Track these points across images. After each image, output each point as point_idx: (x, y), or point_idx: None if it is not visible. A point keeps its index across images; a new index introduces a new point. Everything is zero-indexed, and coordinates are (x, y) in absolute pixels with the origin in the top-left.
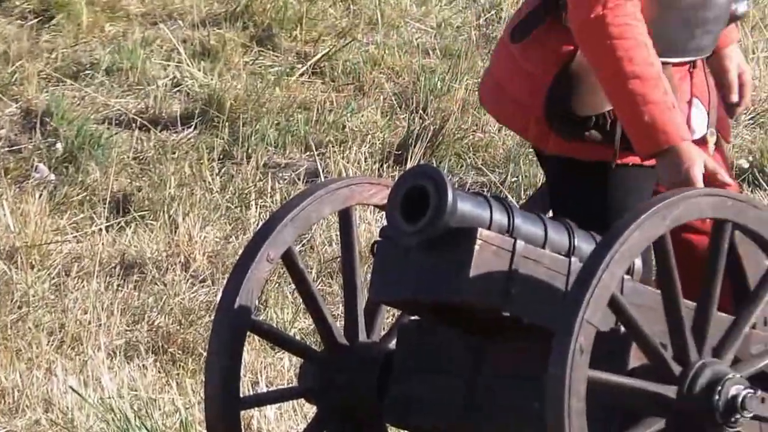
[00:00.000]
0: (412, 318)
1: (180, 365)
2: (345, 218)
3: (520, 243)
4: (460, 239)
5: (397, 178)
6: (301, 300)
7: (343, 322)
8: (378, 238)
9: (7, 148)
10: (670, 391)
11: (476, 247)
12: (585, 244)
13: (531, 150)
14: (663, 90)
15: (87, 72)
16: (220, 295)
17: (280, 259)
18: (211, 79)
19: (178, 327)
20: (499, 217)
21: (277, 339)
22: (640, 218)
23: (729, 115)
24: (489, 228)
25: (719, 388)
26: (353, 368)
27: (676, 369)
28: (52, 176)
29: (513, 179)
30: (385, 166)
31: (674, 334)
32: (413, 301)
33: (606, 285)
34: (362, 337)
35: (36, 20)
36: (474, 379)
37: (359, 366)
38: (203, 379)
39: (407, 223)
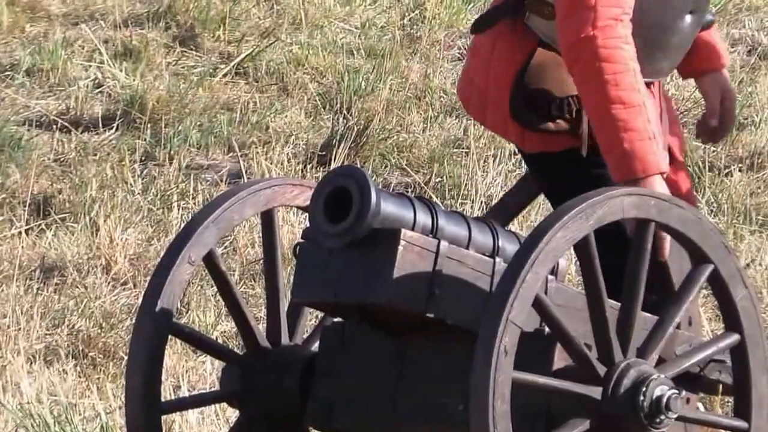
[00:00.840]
0: (335, 320)
1: (101, 369)
2: (267, 220)
3: (443, 244)
4: (384, 240)
5: (320, 179)
6: (223, 303)
7: (265, 325)
8: (300, 240)
9: None
10: (595, 392)
11: (400, 248)
12: (509, 245)
13: (455, 150)
14: (646, 118)
15: (7, 73)
16: (141, 298)
17: (202, 262)
18: (134, 80)
19: (99, 331)
20: (423, 218)
21: (199, 342)
22: (564, 218)
23: (711, 139)
24: (413, 229)
25: (644, 388)
26: (276, 371)
27: (601, 369)
28: None
29: (437, 179)
30: (309, 166)
31: (598, 335)
32: (335, 303)
33: (530, 285)
34: (285, 339)
35: None
36: (398, 380)
37: (282, 369)
38: (124, 384)
39: (330, 224)
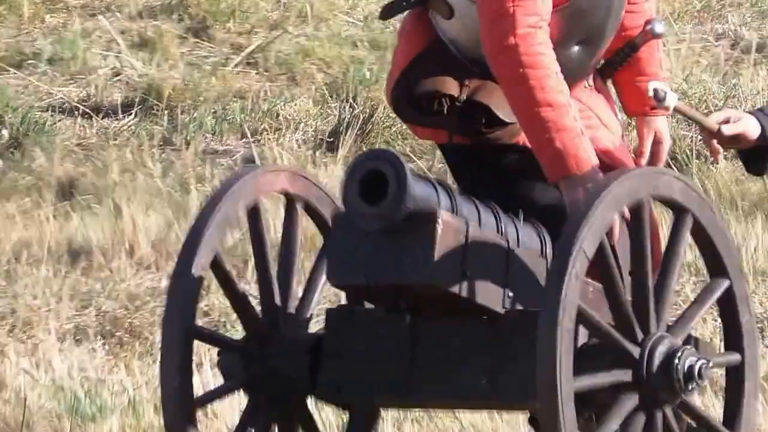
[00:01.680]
0: (340, 304)
1: (127, 348)
2: (253, 215)
3: (472, 225)
4: (421, 222)
5: (350, 163)
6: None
7: (262, 314)
8: (331, 225)
9: None
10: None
11: (438, 229)
12: (510, 228)
13: None
14: (572, 117)
15: (30, 61)
16: (165, 297)
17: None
18: (150, 69)
19: (125, 312)
20: (445, 200)
21: (220, 342)
22: (628, 173)
23: None
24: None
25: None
26: (286, 355)
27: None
28: (0, 162)
29: (439, 165)
30: (317, 152)
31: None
32: (371, 286)
33: (599, 223)
34: (286, 326)
35: None
36: (411, 360)
37: (291, 353)
38: (158, 383)
39: (368, 206)
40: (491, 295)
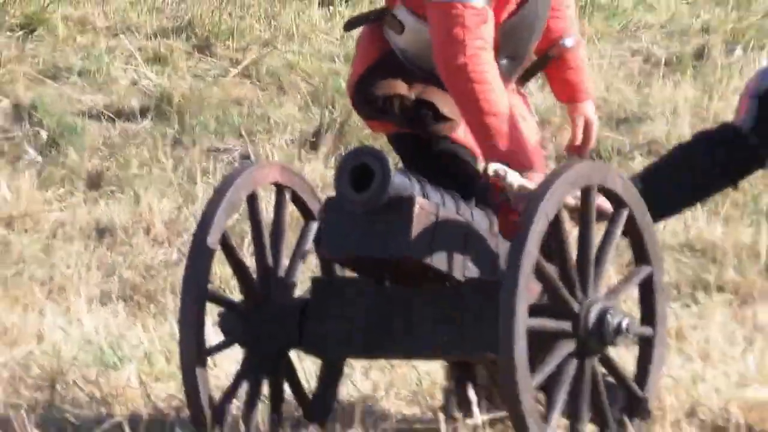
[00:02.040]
0: (324, 274)
1: (144, 310)
2: (251, 201)
3: (440, 207)
4: (400, 206)
5: (341, 158)
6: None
7: (257, 280)
8: (322, 208)
9: (2, 136)
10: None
11: (415, 211)
12: (467, 210)
13: None
14: (512, 122)
15: (63, 74)
16: (182, 269)
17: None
18: (163, 80)
19: (142, 280)
20: (418, 187)
21: (227, 303)
22: (578, 164)
23: (577, 153)
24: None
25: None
26: (277, 316)
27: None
28: (39, 158)
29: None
30: (302, 150)
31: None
32: (358, 258)
33: (556, 201)
34: (277, 290)
35: (22, 32)
36: (382, 318)
37: (281, 313)
38: (177, 334)
39: (356, 193)
40: (454, 265)
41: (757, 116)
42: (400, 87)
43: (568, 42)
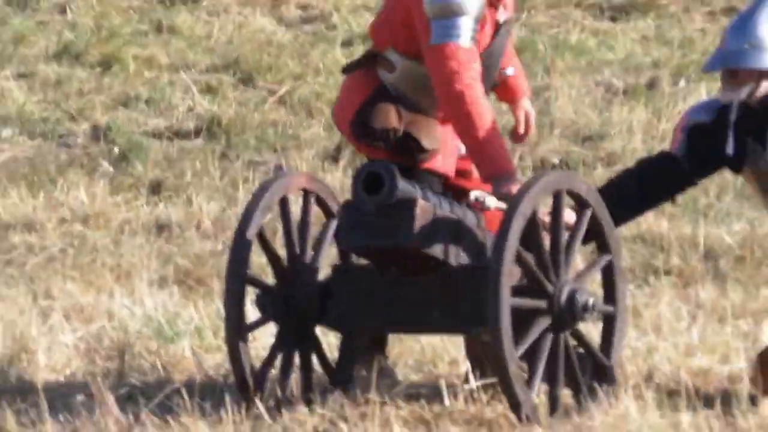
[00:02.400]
0: (343, 262)
1: (195, 292)
2: (283, 203)
3: (437, 207)
4: (405, 205)
5: (358, 169)
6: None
7: (288, 267)
8: (341, 207)
9: (82, 151)
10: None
11: (417, 210)
12: (459, 210)
13: None
14: (498, 135)
15: (133, 102)
16: (226, 258)
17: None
18: (213, 107)
19: (193, 267)
20: (420, 191)
21: (262, 286)
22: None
23: (517, 142)
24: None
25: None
26: (303, 296)
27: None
28: (111, 169)
29: None
30: (325, 163)
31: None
32: (372, 247)
33: (530, 205)
34: (303, 275)
35: (100, 68)
36: (390, 298)
37: (307, 294)
38: (223, 315)
39: (369, 195)
40: (449, 253)
41: (688, 147)
42: (394, 120)
43: (509, 71)
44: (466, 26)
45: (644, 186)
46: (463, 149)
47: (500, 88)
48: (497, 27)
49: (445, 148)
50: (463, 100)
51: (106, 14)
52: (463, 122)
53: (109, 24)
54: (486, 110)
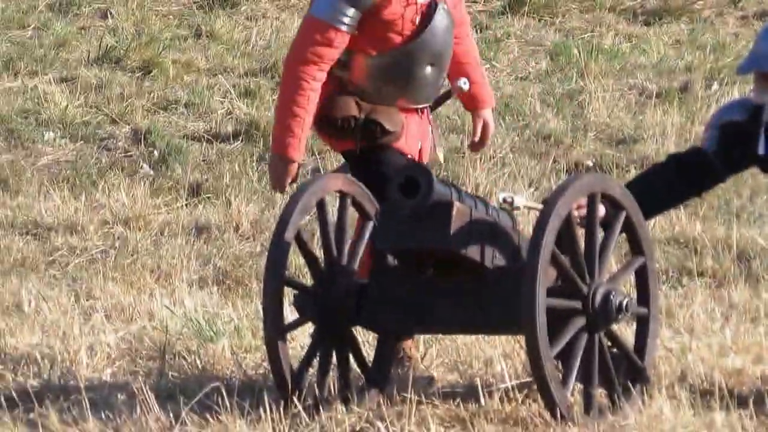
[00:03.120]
0: (379, 264)
1: (234, 292)
2: (320, 206)
3: (474, 210)
4: (441, 208)
5: (395, 171)
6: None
7: (325, 268)
8: (378, 210)
9: (123, 155)
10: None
11: (454, 212)
12: (494, 212)
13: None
14: (289, 118)
15: (173, 106)
16: (264, 259)
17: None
18: (252, 110)
19: (232, 268)
20: (454, 194)
21: (299, 287)
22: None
23: (475, 150)
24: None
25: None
26: (341, 297)
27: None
28: (152, 172)
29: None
30: None
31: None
32: (409, 249)
33: (566, 203)
34: (340, 276)
35: (140, 73)
36: (426, 300)
37: (344, 295)
38: (261, 315)
39: (405, 199)
40: (485, 254)
41: (718, 143)
42: (353, 109)
43: (464, 86)
44: (341, 9)
45: (674, 180)
46: (429, 135)
47: (463, 98)
48: (426, 13)
49: (407, 132)
50: (286, 71)
51: (146, 19)
52: (279, 94)
53: (149, 29)
54: (294, 92)
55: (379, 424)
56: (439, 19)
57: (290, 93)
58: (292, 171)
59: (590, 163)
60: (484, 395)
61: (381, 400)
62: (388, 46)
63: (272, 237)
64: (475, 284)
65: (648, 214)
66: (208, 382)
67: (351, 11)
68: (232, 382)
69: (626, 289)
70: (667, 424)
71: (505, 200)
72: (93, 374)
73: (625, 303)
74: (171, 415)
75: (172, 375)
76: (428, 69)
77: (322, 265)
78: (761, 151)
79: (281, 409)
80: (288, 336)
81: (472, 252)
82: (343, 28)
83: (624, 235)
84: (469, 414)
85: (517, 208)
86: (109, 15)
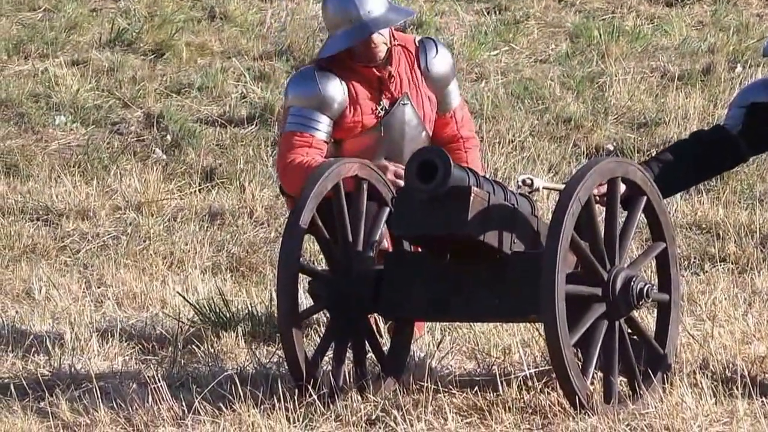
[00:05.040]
0: (395, 250)
1: (248, 278)
2: (336, 189)
3: (492, 195)
4: (459, 193)
5: (411, 156)
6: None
7: (340, 254)
8: (395, 195)
9: (135, 139)
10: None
11: (471, 197)
12: (512, 197)
13: None
14: None
15: (186, 89)
16: (279, 246)
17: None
18: (266, 94)
19: (246, 254)
20: (472, 178)
21: (314, 274)
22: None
23: None
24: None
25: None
26: (357, 284)
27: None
28: (164, 156)
29: None
30: None
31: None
32: (426, 235)
33: (588, 188)
34: (356, 262)
35: (153, 56)
36: (444, 286)
37: (361, 282)
38: (275, 303)
39: (423, 183)
40: (503, 240)
41: (743, 123)
42: None
43: (529, 183)
44: (314, 118)
45: (697, 158)
46: None
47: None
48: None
49: None
50: (282, 177)
51: (158, 1)
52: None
53: (161, 11)
54: (299, 175)
55: (395, 413)
56: (398, 115)
57: (296, 179)
58: None
59: (611, 147)
60: (502, 384)
61: (397, 389)
62: (359, 137)
63: (287, 223)
64: (493, 270)
65: (667, 191)
66: (221, 370)
67: (323, 118)
68: (245, 371)
69: (647, 275)
70: (689, 413)
71: (524, 182)
72: (104, 362)
73: (645, 289)
74: (184, 404)
75: (184, 363)
76: (405, 152)
77: (338, 251)
78: None
79: (295, 398)
80: (303, 323)
81: (490, 238)
82: (319, 135)
83: (645, 219)
84: (486, 403)
85: (537, 189)
86: None
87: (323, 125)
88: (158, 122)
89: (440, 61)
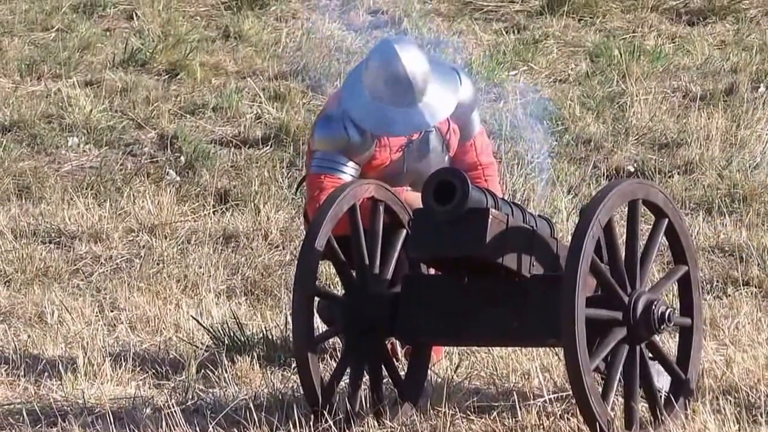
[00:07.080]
0: (413, 272)
1: (263, 302)
2: (352, 212)
3: (511, 217)
4: (477, 215)
5: (428, 177)
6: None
7: (357, 277)
8: (412, 218)
9: (148, 160)
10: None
11: (490, 219)
12: (531, 219)
13: None
14: None
15: (200, 110)
16: (294, 268)
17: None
18: (281, 114)
19: (261, 277)
20: (491, 200)
21: (330, 297)
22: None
23: None
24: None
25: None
26: (373, 307)
27: (625, 296)
28: (178, 178)
29: None
30: None
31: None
32: (444, 257)
33: (608, 209)
34: (373, 285)
35: (167, 76)
36: (462, 310)
37: (378, 305)
38: (291, 327)
39: (440, 205)
40: (522, 263)
41: None
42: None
43: None
44: (341, 162)
45: None
46: None
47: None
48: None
49: None
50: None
51: (172, 21)
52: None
53: (175, 31)
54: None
55: None
56: (404, 156)
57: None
58: None
59: (632, 169)
60: (521, 409)
61: (414, 414)
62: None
63: (302, 245)
64: (512, 293)
65: None
66: (235, 395)
67: (350, 163)
68: (260, 396)
69: (669, 299)
70: None
71: None
72: (117, 387)
73: (667, 313)
74: (198, 429)
75: (198, 388)
76: (408, 188)
77: (354, 274)
78: None
79: (311, 423)
80: (318, 347)
81: (509, 260)
82: (345, 177)
83: (666, 242)
84: (505, 429)
85: None
86: (134, 16)
87: (350, 168)
88: (172, 143)
89: (463, 93)
